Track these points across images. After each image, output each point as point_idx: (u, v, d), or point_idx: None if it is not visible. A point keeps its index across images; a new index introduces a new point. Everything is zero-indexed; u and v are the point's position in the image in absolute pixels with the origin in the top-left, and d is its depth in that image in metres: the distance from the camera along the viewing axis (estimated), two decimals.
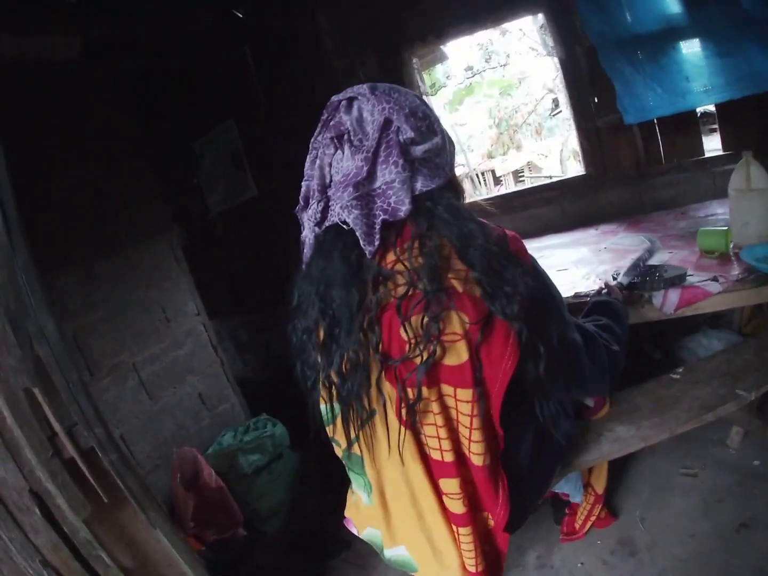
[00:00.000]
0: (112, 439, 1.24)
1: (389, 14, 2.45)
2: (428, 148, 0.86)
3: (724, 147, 2.30)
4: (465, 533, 0.94)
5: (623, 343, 1.12)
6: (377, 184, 0.84)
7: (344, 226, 0.85)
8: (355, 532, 1.17)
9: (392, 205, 0.83)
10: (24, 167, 1.56)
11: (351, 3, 2.48)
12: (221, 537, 1.89)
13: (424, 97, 2.53)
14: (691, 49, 2.08)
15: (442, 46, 2.52)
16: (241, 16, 2.44)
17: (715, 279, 1.45)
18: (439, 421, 0.86)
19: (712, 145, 2.50)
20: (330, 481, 1.27)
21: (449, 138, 0.95)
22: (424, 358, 0.81)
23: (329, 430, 1.00)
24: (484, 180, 7.51)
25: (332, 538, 1.87)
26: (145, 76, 2.53)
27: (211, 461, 2.00)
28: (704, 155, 2.34)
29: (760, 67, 1.95)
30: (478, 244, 0.81)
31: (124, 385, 2.00)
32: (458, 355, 0.81)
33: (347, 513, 1.18)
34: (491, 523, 0.98)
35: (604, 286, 1.43)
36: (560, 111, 6.78)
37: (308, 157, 0.94)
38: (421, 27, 2.43)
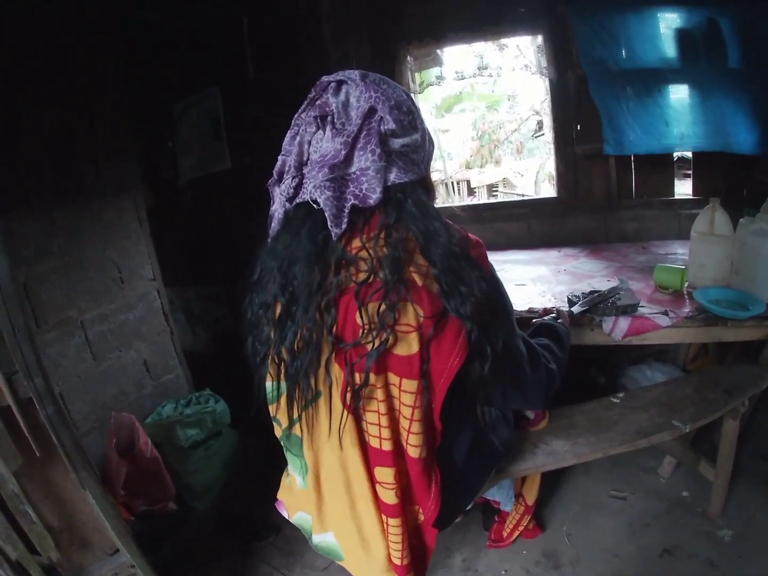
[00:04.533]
0: (51, 393, 1.20)
1: (391, 8, 2.45)
2: (407, 143, 0.87)
3: (695, 192, 2.40)
4: (394, 524, 0.94)
5: (561, 365, 1.15)
6: (352, 169, 0.84)
7: (314, 206, 0.85)
8: (285, 515, 1.17)
9: (363, 191, 0.83)
10: None
11: None
12: (151, 508, 1.85)
13: (411, 95, 2.53)
14: (675, 95, 2.15)
15: (438, 50, 2.53)
16: None
17: (665, 313, 1.51)
18: (382, 408, 0.87)
19: (684, 189, 2.58)
20: (267, 463, 1.25)
21: (430, 138, 0.96)
22: (376, 344, 0.81)
23: (272, 408, 0.99)
24: (459, 189, 7.56)
25: (262, 521, 1.86)
26: (138, 28, 2.45)
27: (149, 431, 1.94)
28: (674, 196, 2.42)
29: (730, 129, 2.05)
30: (440, 243, 0.83)
31: (69, 342, 1.93)
32: (409, 345, 0.82)
33: (280, 495, 1.18)
34: (421, 517, 0.99)
35: (554, 311, 1.46)
36: (543, 134, 6.86)
37: (289, 132, 0.93)
38: (420, 27, 2.44)
